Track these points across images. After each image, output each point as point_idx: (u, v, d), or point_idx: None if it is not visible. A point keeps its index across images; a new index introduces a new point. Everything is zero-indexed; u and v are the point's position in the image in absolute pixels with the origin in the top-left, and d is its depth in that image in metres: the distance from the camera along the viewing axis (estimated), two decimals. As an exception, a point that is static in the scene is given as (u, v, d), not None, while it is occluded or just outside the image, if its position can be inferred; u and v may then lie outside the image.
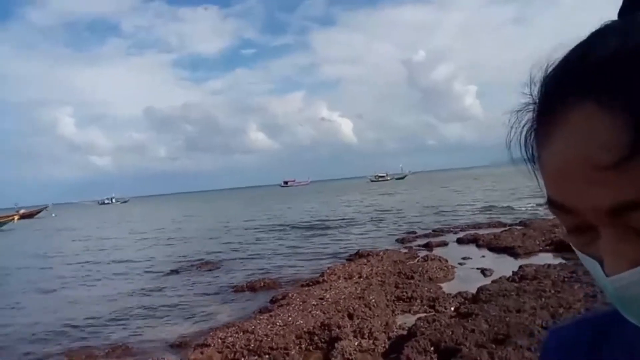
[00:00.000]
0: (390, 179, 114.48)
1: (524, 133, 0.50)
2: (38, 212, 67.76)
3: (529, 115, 0.49)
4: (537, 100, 0.47)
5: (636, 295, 0.44)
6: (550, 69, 0.45)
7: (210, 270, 13.28)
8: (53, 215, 70.70)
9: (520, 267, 8.78)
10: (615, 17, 0.46)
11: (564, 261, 9.20)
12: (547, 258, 10.13)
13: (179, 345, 6.88)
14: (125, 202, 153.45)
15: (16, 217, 48.59)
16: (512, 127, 0.51)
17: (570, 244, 0.49)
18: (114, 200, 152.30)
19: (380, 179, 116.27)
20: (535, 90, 0.47)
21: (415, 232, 16.98)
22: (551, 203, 0.47)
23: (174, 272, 13.31)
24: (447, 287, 8.63)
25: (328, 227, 21.82)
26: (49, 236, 31.80)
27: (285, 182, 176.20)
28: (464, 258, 11.19)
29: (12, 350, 7.56)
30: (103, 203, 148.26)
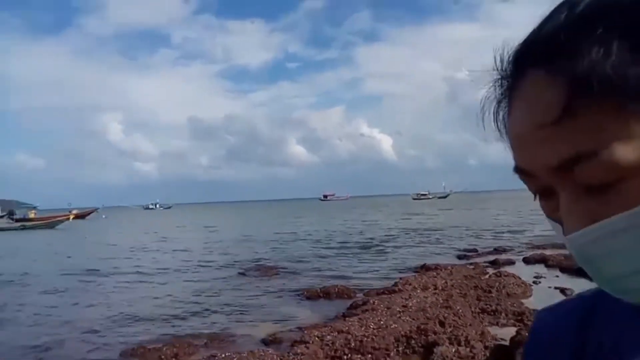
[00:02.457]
0: (433, 198, 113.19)
1: (494, 106, 0.53)
2: (89, 213, 70.30)
3: (500, 90, 0.52)
4: (504, 70, 0.51)
5: (591, 254, 0.46)
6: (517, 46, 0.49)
7: (275, 275, 13.56)
8: (103, 216, 73.28)
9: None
10: None
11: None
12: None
13: (272, 342, 7.13)
14: (168, 207, 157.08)
15: (71, 217, 50.79)
16: (484, 103, 0.55)
17: (543, 212, 0.52)
18: (157, 206, 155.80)
19: (422, 197, 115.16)
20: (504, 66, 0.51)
21: (476, 250, 16.85)
22: (516, 169, 0.51)
23: (242, 274, 13.69)
24: (529, 304, 8.59)
25: (382, 241, 21.82)
26: (114, 234, 32.99)
27: (325, 196, 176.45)
28: (536, 277, 11.08)
29: (111, 332, 8.05)
30: (148, 208, 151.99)
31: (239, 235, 28.48)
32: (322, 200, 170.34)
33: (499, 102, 0.52)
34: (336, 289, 10.53)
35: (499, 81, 0.51)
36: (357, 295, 10.26)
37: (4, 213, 61.80)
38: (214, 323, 8.54)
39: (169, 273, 14.30)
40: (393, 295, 9.23)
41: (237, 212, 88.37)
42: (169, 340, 7.29)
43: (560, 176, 0.45)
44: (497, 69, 0.51)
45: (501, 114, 0.53)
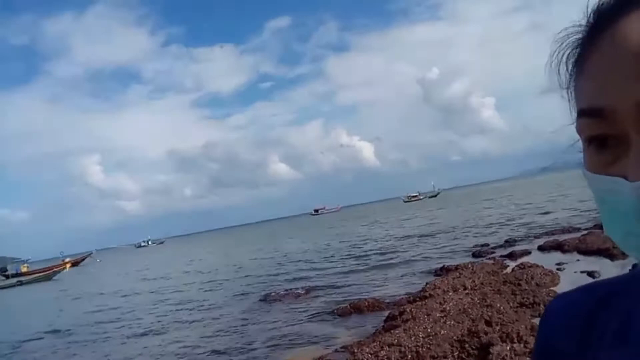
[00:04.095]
0: (424, 198, 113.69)
1: (567, 52, 0.54)
2: (83, 259, 69.10)
3: (574, 38, 0.54)
4: (590, 20, 0.51)
5: None
6: None
7: (295, 297, 13.47)
8: (98, 260, 72.18)
9: (634, 265, 8.77)
10: None
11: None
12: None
13: (325, 365, 7.09)
14: (161, 243, 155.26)
15: (67, 266, 49.84)
16: (554, 53, 0.55)
17: (589, 170, 0.51)
18: (150, 243, 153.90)
19: (413, 198, 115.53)
20: (588, 15, 0.52)
21: (488, 245, 16.95)
22: (586, 112, 0.49)
23: (263, 301, 13.59)
24: (562, 291, 8.66)
25: (388, 249, 21.75)
26: (119, 280, 32.44)
27: (316, 210, 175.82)
28: (558, 264, 11.19)
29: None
30: (140, 246, 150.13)
31: (241, 261, 28.20)
32: (313, 214, 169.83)
33: (576, 47, 0.53)
34: (366, 303, 10.52)
35: (587, 27, 0.52)
36: (388, 306, 10.25)
37: (-5, 270, 60.36)
38: (255, 353, 8.47)
39: (192, 311, 14.13)
40: (427, 301, 9.24)
41: (230, 238, 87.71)
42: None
43: None
44: (589, 16, 0.51)
45: (573, 57, 0.53)
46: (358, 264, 18.19)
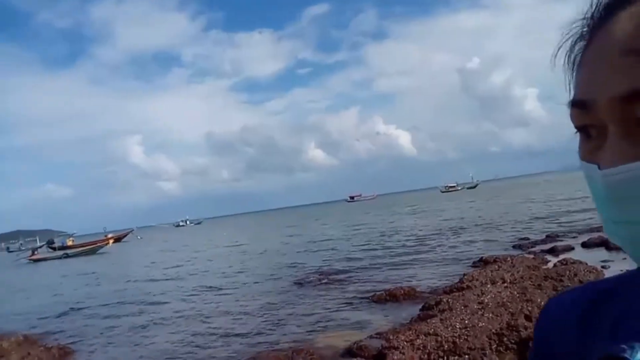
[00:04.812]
0: (461, 189, 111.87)
1: (570, 41, 0.55)
2: (125, 235, 71.75)
3: (578, 29, 0.55)
4: (590, 14, 0.53)
5: (621, 192, 0.48)
6: None
7: (330, 282, 13.55)
8: (139, 237, 74.47)
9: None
10: None
11: None
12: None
13: (359, 350, 7.13)
14: (199, 223, 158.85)
15: (110, 241, 51.77)
16: (561, 43, 0.57)
17: (580, 157, 0.54)
18: (187, 222, 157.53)
19: (450, 189, 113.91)
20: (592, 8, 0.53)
21: (528, 239, 16.58)
22: (574, 103, 0.53)
23: (298, 284, 13.75)
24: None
25: (426, 238, 21.64)
26: (159, 255, 33.46)
27: (352, 197, 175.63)
28: (603, 261, 10.85)
29: (195, 350, 8.18)
30: (178, 225, 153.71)
31: (276, 245, 28.56)
32: (348, 201, 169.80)
33: (578, 39, 0.55)
34: (402, 291, 10.50)
35: (587, 20, 0.53)
36: (424, 295, 10.21)
37: (43, 243, 63.20)
38: (291, 335, 8.61)
39: (230, 289, 14.47)
40: (464, 292, 9.14)
41: (265, 222, 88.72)
42: (254, 355, 7.36)
43: (620, 108, 0.47)
44: (592, 9, 0.52)
45: (577, 48, 0.55)
46: (393, 253, 18.10)
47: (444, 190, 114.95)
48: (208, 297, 13.57)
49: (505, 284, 9.40)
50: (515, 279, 9.70)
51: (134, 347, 9.14)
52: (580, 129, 0.53)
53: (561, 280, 9.28)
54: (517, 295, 8.24)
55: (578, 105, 0.52)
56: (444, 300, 8.67)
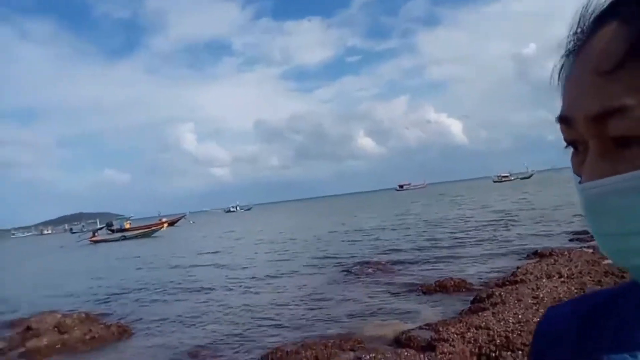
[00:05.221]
0: (515, 179, 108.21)
1: (561, 60, 0.56)
2: (178, 219, 74.18)
3: (573, 45, 0.54)
4: (576, 30, 0.53)
5: (598, 206, 0.48)
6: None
7: (378, 271, 13.47)
8: (191, 222, 76.95)
9: None
10: None
11: None
12: None
13: (408, 340, 7.05)
14: (249, 209, 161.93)
15: (165, 225, 53.72)
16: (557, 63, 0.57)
17: (572, 167, 0.55)
18: (238, 208, 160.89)
19: (504, 179, 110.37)
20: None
21: (587, 232, 15.79)
22: (559, 119, 0.53)
23: (346, 272, 13.76)
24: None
25: (477, 228, 21.18)
26: (210, 240, 34.51)
27: (401, 186, 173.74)
28: (670, 258, 10.21)
29: (242, 336, 8.36)
30: (229, 211, 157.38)
31: (324, 233, 28.63)
32: (397, 190, 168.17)
33: (566, 55, 0.55)
34: (452, 282, 10.30)
35: (575, 36, 0.54)
36: (475, 287, 9.98)
37: (102, 225, 66.29)
38: (338, 323, 8.63)
39: (277, 276, 14.66)
40: (517, 285, 8.86)
41: (313, 209, 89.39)
42: (302, 342, 7.43)
43: (595, 126, 0.48)
44: (578, 25, 0.53)
45: (566, 66, 0.55)
46: (442, 244, 17.76)
47: (497, 180, 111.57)
48: (255, 285, 13.75)
49: (562, 279, 9.03)
50: (573, 274, 9.30)
51: (186, 331, 9.42)
52: (569, 143, 0.55)
53: (623, 277, 8.81)
54: (575, 291, 7.92)
55: (562, 121, 0.54)
56: (497, 293, 8.43)
